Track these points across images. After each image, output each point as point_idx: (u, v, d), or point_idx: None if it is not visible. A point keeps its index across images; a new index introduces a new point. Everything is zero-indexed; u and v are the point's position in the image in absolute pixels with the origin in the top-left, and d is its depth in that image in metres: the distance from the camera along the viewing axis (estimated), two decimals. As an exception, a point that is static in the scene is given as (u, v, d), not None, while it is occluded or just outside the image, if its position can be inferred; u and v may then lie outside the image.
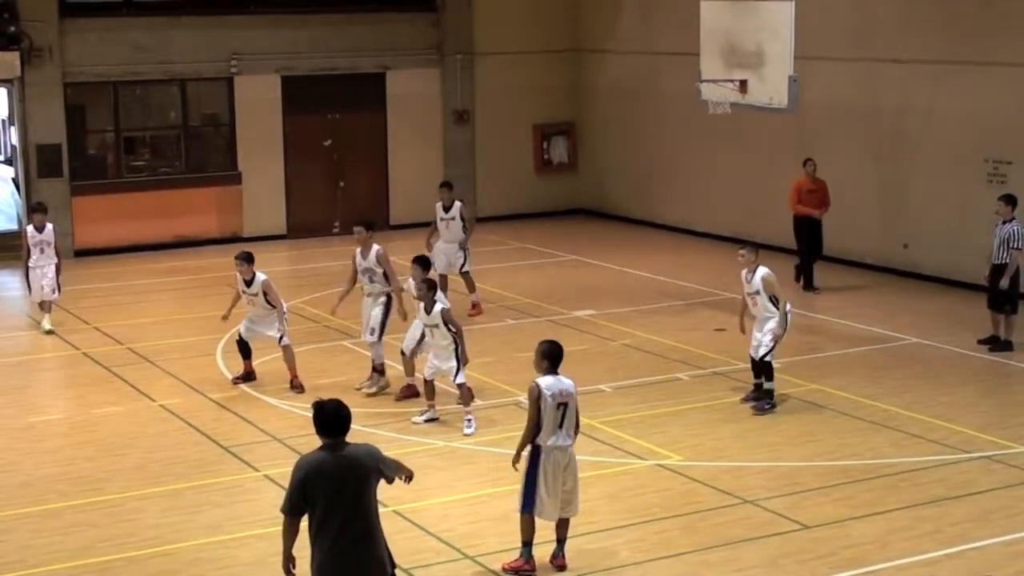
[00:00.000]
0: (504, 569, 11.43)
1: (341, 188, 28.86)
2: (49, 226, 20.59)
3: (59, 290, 20.61)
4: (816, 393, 16.51)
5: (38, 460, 14.74)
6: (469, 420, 15.20)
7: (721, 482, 13.57)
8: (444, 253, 20.82)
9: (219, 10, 27.62)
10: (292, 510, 9.03)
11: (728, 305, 21.53)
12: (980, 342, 18.69)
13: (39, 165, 26.29)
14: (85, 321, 20.90)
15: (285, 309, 17.52)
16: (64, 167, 26.47)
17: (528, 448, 11.32)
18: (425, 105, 29.41)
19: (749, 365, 16.31)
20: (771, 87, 20.18)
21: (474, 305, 20.78)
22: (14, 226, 27.41)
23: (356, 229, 17.01)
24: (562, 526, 11.54)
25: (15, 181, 27.33)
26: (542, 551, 11.54)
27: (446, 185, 21.76)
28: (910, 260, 23.20)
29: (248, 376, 17.51)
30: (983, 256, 19.31)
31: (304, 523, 9.03)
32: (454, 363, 15.13)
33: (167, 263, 25.66)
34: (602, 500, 13.16)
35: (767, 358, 15.80)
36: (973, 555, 11.74)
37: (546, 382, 11.31)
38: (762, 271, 15.87)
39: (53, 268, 20.46)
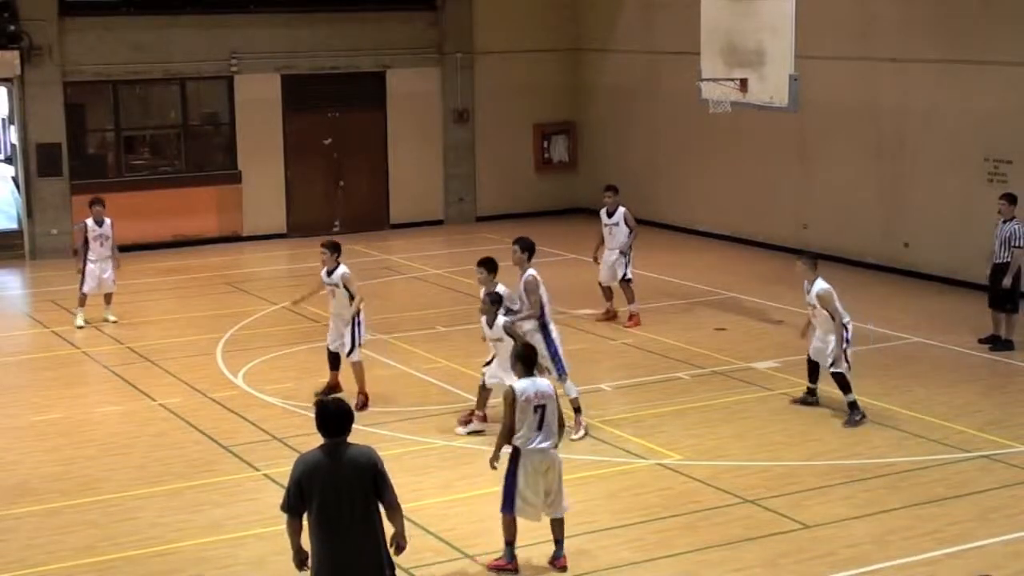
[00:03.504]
0: (488, 567, 11.47)
1: (341, 187, 28.85)
2: (107, 220, 20.68)
3: (114, 281, 20.90)
4: (825, 396, 16.45)
5: (38, 459, 14.74)
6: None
7: (721, 481, 13.57)
8: (607, 263, 20.20)
9: (219, 9, 27.60)
10: (290, 508, 9.09)
11: (728, 304, 21.57)
12: (981, 341, 18.68)
13: (39, 164, 26.29)
14: (85, 320, 20.86)
15: (361, 320, 16.13)
16: (64, 166, 26.46)
17: (509, 450, 11.36)
18: (425, 104, 29.40)
19: (805, 366, 16.08)
20: (772, 86, 20.14)
21: (631, 316, 20.04)
22: (14, 225, 27.41)
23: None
24: (556, 527, 11.55)
25: (15, 180, 27.32)
26: (542, 551, 11.55)
27: (611, 189, 20.52)
28: (911, 259, 23.19)
29: (332, 389, 16.23)
30: (984, 255, 19.30)
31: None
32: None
33: (167, 262, 25.65)
34: (602, 499, 13.17)
35: (835, 369, 15.36)
36: (973, 555, 11.74)
37: (521, 385, 11.33)
38: (819, 286, 15.51)
39: (111, 261, 20.64)
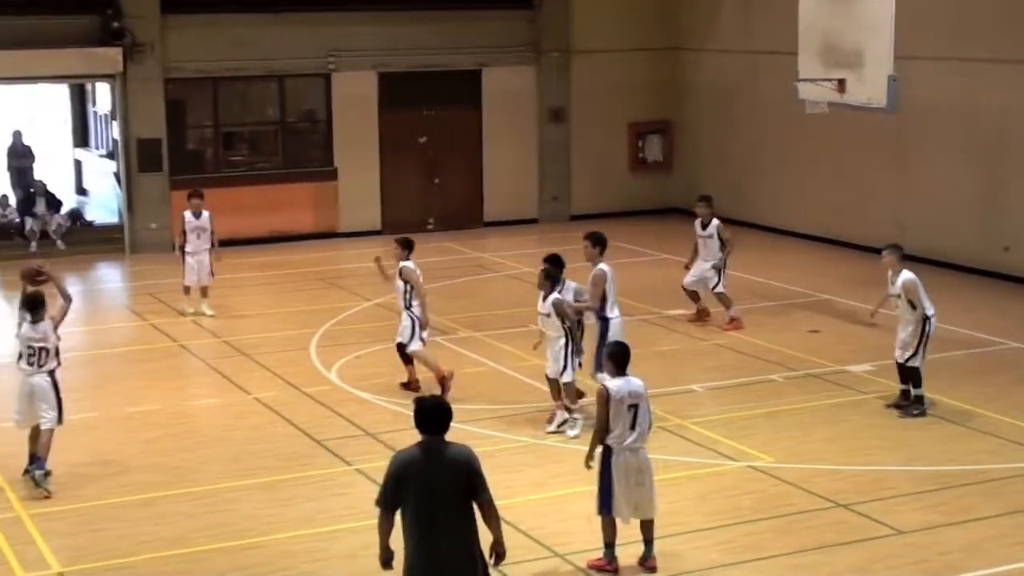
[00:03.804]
0: (589, 566, 11.47)
1: (436, 185, 28.97)
2: (206, 212, 21.06)
3: (213, 274, 21.18)
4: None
5: (135, 450, 14.97)
6: (575, 420, 15.08)
7: (813, 485, 13.44)
8: (697, 271, 20.06)
9: (317, 7, 27.82)
10: (385, 504, 9.06)
11: (822, 307, 21.37)
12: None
13: (140, 159, 26.70)
14: (181, 313, 21.18)
15: (415, 313, 16.44)
16: (164, 161, 26.86)
17: (600, 449, 11.36)
18: (521, 103, 29.43)
19: (894, 368, 16.08)
20: (870, 86, 19.93)
21: (731, 320, 19.87)
22: (115, 219, 27.85)
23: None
24: (646, 527, 11.52)
25: (116, 175, 27.78)
26: (630, 551, 11.53)
27: (704, 199, 20.31)
28: (1011, 263, 22.81)
29: (409, 386, 16.67)
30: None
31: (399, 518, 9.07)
32: (563, 361, 14.99)
33: (263, 258, 25.91)
34: (692, 501, 13.11)
35: (910, 364, 15.56)
36: (1071, 564, 11.55)
37: (615, 384, 11.31)
38: (904, 276, 15.65)
39: (208, 254, 20.97)
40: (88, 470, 14.21)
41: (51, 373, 13.67)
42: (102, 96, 30.04)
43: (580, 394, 15.32)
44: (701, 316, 20.30)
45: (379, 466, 13.89)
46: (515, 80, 29.30)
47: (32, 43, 25.59)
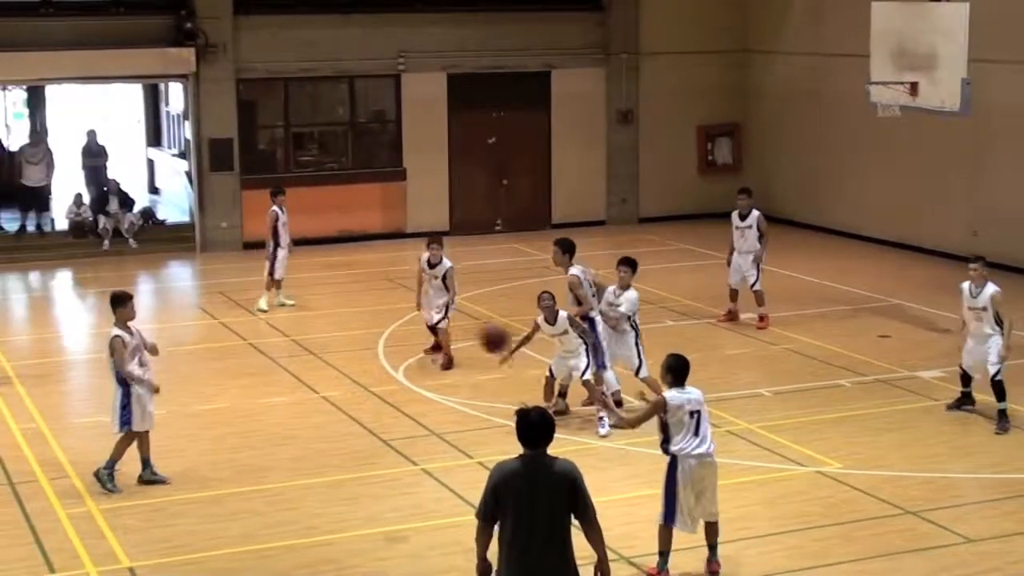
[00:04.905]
0: (648, 573, 11.48)
1: (504, 186, 29.01)
2: (286, 209, 21.69)
3: None
4: (982, 404, 16.08)
5: (205, 447, 15.11)
6: (601, 419, 15.19)
7: (882, 491, 13.34)
8: (738, 265, 20.20)
9: (388, 8, 27.95)
10: (484, 515, 8.89)
11: (893, 312, 21.18)
12: None
13: (211, 159, 26.94)
14: (250, 311, 21.36)
15: (454, 303, 18.33)
16: (235, 161, 27.08)
17: (667, 460, 11.32)
18: (589, 105, 29.40)
19: (959, 374, 15.97)
20: (943, 90, 19.72)
21: (761, 318, 20.02)
22: (186, 218, 28.12)
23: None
24: (711, 531, 11.47)
25: (188, 174, 28.04)
26: (699, 555, 11.49)
27: (744, 192, 20.62)
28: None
29: (436, 347, 18.37)
30: None
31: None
32: (584, 361, 15.25)
33: (332, 257, 26.05)
34: (760, 506, 13.05)
35: (998, 377, 15.35)
36: None
37: (672, 395, 11.28)
38: (991, 287, 15.42)
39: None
40: (158, 466, 14.32)
41: (120, 380, 13.71)
42: (175, 96, 30.30)
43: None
44: (732, 317, 20.33)
45: (445, 466, 14.02)
46: (584, 82, 29.28)
47: (107, 43, 25.91)
